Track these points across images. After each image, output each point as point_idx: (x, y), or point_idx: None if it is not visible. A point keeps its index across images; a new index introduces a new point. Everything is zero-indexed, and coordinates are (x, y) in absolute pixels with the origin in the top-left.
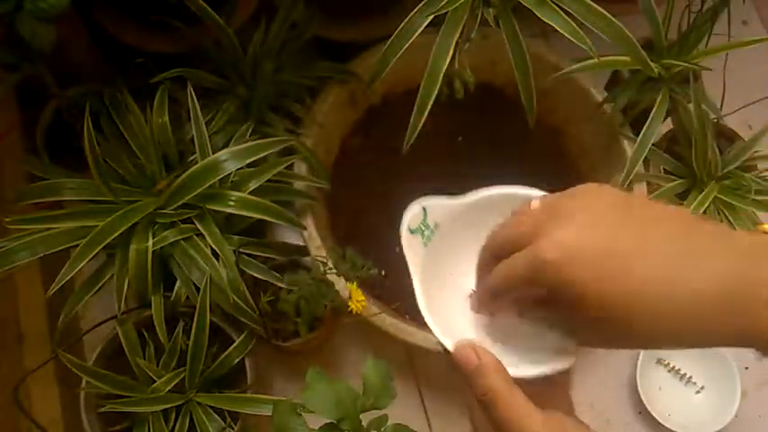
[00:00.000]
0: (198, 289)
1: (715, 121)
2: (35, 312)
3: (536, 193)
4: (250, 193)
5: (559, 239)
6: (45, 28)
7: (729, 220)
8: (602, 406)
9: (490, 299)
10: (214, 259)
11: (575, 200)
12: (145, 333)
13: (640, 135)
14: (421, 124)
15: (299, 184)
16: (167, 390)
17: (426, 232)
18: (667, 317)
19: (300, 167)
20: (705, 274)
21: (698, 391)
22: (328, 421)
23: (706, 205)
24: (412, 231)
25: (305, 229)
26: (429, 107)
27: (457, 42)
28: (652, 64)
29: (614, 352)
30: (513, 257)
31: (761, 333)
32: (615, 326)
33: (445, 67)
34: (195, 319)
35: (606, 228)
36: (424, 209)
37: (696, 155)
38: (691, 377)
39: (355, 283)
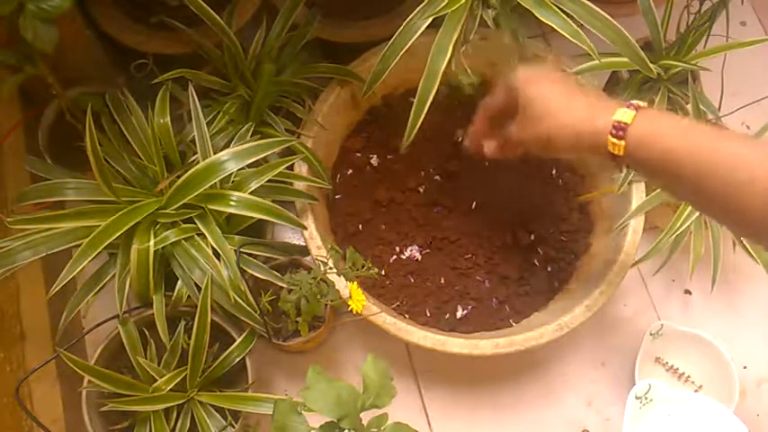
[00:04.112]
0: (199, 288)
1: (713, 121)
2: (37, 311)
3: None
4: (251, 194)
5: (525, 77)
6: (47, 29)
7: None
8: (601, 405)
9: (483, 125)
10: (215, 259)
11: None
12: (146, 332)
13: None
14: (419, 123)
15: (299, 185)
16: (168, 389)
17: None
18: (557, 128)
19: (301, 168)
20: (577, 114)
21: (696, 390)
22: (329, 420)
23: None
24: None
25: (305, 228)
26: (427, 106)
27: (456, 42)
28: (651, 65)
29: (612, 351)
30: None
31: (603, 149)
32: (537, 120)
33: (443, 66)
34: (196, 318)
35: (546, 85)
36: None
37: None
38: (689, 376)
39: (355, 283)
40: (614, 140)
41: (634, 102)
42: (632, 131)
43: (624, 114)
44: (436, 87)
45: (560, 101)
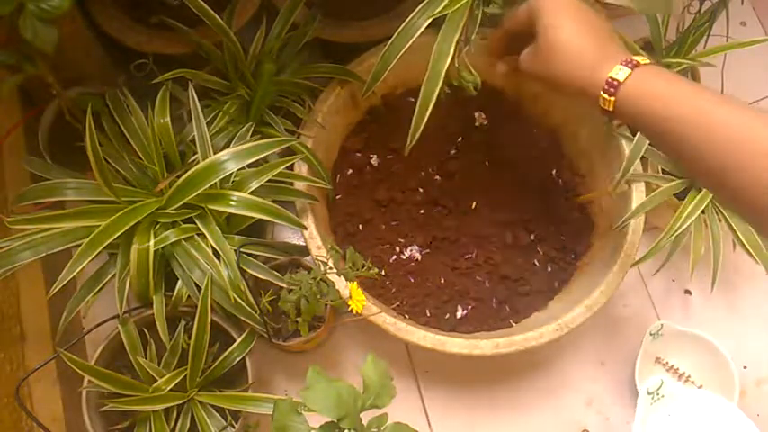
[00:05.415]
0: (199, 288)
1: None
2: (37, 311)
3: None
4: (251, 194)
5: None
6: (47, 29)
7: (727, 220)
8: (601, 405)
9: (500, 42)
10: (215, 259)
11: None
12: (146, 332)
13: (637, 135)
14: (423, 125)
15: (299, 185)
16: (168, 389)
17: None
18: (564, 65)
19: (301, 168)
20: (582, 61)
21: None
22: (329, 420)
23: (704, 205)
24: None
25: (305, 228)
26: (430, 108)
27: (457, 43)
28: None
29: (612, 351)
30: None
31: (595, 101)
32: (546, 57)
33: (446, 67)
34: (196, 318)
35: (564, 16)
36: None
37: None
38: (689, 376)
39: (355, 283)
40: (605, 96)
41: (635, 58)
42: (624, 89)
43: (619, 72)
44: (438, 89)
45: (571, 40)
